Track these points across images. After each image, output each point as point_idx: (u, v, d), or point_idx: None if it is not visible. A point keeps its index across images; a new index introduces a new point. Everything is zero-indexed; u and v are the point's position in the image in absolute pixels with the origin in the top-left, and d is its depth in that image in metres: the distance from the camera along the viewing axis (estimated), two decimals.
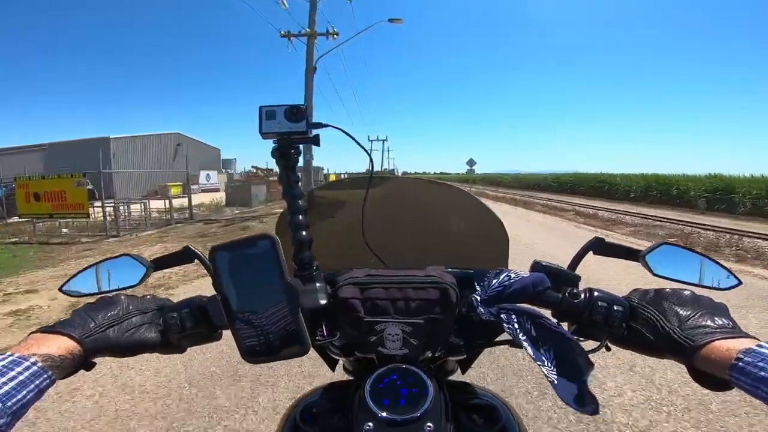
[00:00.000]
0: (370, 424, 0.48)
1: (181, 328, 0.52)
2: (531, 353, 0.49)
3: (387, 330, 0.56)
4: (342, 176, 48.62)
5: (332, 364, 0.76)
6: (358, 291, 0.58)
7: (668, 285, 0.56)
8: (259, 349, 0.49)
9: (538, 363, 0.49)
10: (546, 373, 0.48)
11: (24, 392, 0.38)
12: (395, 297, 0.57)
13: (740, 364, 0.38)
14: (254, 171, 39.24)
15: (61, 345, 0.44)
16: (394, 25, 14.47)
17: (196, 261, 0.63)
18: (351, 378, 0.73)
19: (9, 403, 0.36)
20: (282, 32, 14.55)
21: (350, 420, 0.53)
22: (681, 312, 0.48)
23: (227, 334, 0.53)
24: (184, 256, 0.63)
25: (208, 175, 15.01)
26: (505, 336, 0.57)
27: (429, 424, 0.48)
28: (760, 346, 0.39)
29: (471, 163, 26.12)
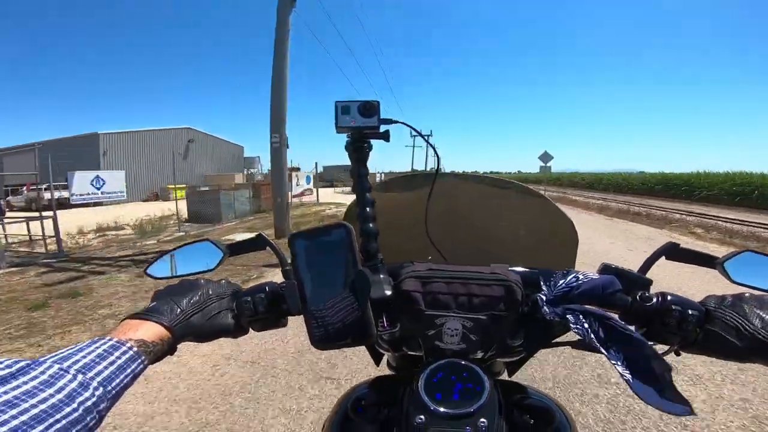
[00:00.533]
0: (422, 417, 0.49)
1: (254, 312, 0.55)
2: (605, 354, 0.48)
3: (447, 324, 0.56)
4: (378, 175, 43.73)
5: (378, 359, 0.74)
6: (419, 284, 0.58)
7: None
8: (328, 336, 0.49)
9: (613, 363, 0.47)
10: (621, 372, 0.47)
11: (122, 376, 0.39)
12: (458, 292, 0.57)
13: None
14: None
15: (153, 331, 0.46)
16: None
17: (268, 248, 0.64)
18: (393, 373, 0.75)
19: (109, 387, 0.37)
20: None
21: (400, 413, 0.54)
22: (764, 315, 0.46)
23: (293, 321, 0.57)
24: (258, 242, 0.64)
25: (98, 178, 8.94)
26: (563, 338, 0.59)
27: (482, 420, 0.48)
28: None
29: (545, 157, 18.59)
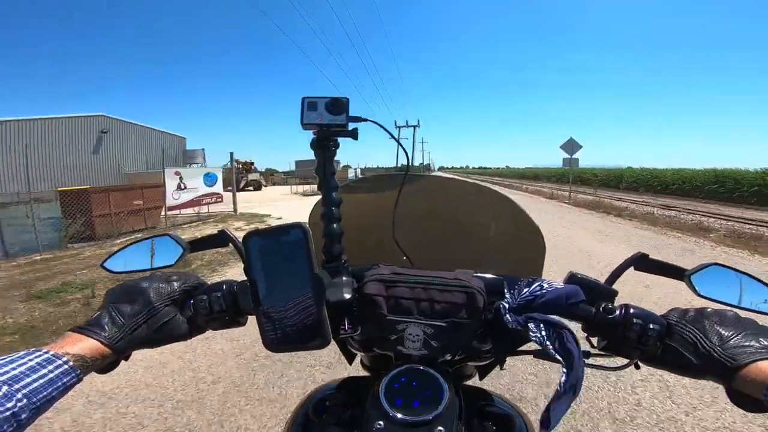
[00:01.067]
0: (381, 423, 0.48)
1: (210, 311, 0.54)
2: (562, 363, 0.48)
3: (408, 330, 0.55)
4: (351, 170, 38.11)
5: (350, 358, 0.74)
6: (383, 288, 0.57)
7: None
8: (281, 338, 0.49)
9: (562, 374, 0.48)
10: (562, 382, 0.48)
11: (51, 389, 0.40)
12: (420, 297, 0.56)
13: None
14: (237, 166, 29.46)
15: (92, 347, 0.46)
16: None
17: (231, 245, 0.63)
18: (368, 374, 0.73)
19: (34, 399, 0.39)
20: None
21: (362, 416, 0.53)
22: (723, 332, 0.46)
23: (252, 320, 0.55)
24: (220, 239, 0.63)
25: None
26: (529, 346, 0.58)
27: (440, 428, 0.48)
28: None
29: (571, 147, 12.39)
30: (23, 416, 0.37)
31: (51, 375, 0.40)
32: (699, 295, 0.57)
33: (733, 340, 0.45)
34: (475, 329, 0.56)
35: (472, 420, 0.59)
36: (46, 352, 0.42)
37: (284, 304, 0.48)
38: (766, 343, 0.44)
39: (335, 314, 0.52)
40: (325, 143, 0.60)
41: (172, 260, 0.64)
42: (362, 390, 0.58)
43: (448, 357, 0.58)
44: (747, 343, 0.44)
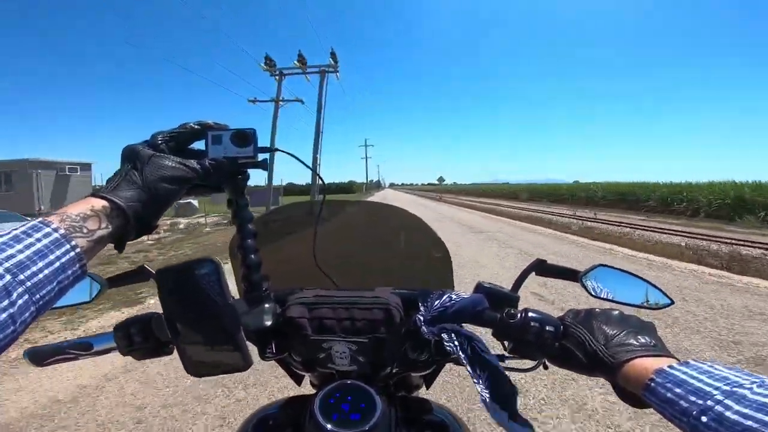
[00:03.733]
0: None
1: (130, 343, 0.57)
2: (470, 372, 0.51)
3: (334, 348, 0.58)
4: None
5: (298, 380, 0.77)
6: (305, 310, 0.60)
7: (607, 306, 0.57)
8: (201, 364, 0.51)
9: (474, 382, 0.50)
10: (480, 391, 0.50)
11: (41, 264, 0.34)
12: (342, 317, 0.59)
13: (652, 384, 0.39)
14: None
15: (96, 206, 0.42)
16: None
17: (152, 280, 0.64)
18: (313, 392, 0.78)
19: (21, 276, 0.32)
20: None
21: None
22: (608, 331, 0.49)
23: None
24: (140, 274, 0.65)
25: None
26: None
27: None
28: (671, 366, 0.39)
29: None
30: (20, 300, 0.31)
31: (38, 245, 0.33)
32: (591, 295, 0.61)
33: (616, 339, 0.46)
34: (398, 343, 0.58)
35: (410, 429, 0.61)
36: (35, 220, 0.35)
37: (200, 333, 0.50)
38: (644, 340, 0.45)
39: (263, 339, 0.57)
40: (232, 177, 0.59)
41: (89, 297, 0.64)
42: (303, 408, 0.60)
43: (388, 370, 0.60)
44: (627, 341, 0.46)
